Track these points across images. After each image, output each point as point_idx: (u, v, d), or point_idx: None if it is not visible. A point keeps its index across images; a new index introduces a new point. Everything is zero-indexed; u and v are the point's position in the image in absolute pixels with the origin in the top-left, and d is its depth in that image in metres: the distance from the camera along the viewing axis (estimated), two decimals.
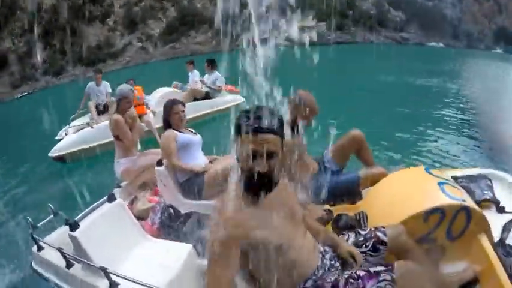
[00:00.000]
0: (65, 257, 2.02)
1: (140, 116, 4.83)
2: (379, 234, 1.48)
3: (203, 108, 7.02)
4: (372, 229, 1.53)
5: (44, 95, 18.57)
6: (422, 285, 1.23)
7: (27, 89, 21.81)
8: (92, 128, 5.98)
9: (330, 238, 1.51)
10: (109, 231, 2.03)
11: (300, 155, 2.25)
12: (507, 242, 1.63)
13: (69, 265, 2.04)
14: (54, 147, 5.76)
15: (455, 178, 2.07)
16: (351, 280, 1.27)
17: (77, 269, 2.01)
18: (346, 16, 28.18)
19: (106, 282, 1.77)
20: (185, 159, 2.69)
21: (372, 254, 1.46)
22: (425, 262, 1.43)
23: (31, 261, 2.40)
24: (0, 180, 5.85)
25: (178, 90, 7.26)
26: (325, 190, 2.28)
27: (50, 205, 2.40)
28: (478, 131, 5.87)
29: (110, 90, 6.64)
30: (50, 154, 5.70)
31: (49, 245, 2.19)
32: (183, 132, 2.78)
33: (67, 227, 1.92)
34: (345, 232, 1.63)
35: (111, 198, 2.16)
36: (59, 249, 2.01)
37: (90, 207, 2.09)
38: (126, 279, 1.67)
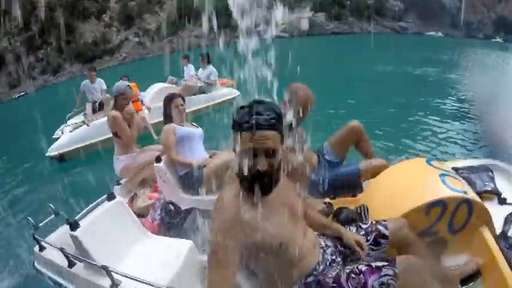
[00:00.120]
0: (66, 257, 2.03)
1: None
2: (381, 227, 1.47)
3: (197, 103, 6.98)
4: (373, 222, 1.52)
5: (41, 94, 18.51)
6: (424, 279, 1.22)
7: (24, 88, 21.67)
8: (87, 126, 5.98)
9: (335, 229, 1.50)
10: (109, 229, 2.03)
11: (301, 147, 2.23)
12: (509, 234, 1.61)
13: (71, 264, 2.04)
14: (51, 146, 5.79)
15: (456, 169, 2.05)
16: (353, 275, 1.27)
17: (79, 268, 2.01)
18: (344, 6, 27.92)
19: (108, 281, 1.77)
20: (184, 152, 2.70)
21: (374, 247, 1.46)
22: (427, 256, 1.43)
23: (34, 261, 2.41)
24: (0, 180, 5.86)
25: (173, 86, 7.22)
26: (326, 183, 2.27)
27: (51, 205, 2.41)
28: (478, 121, 5.85)
29: (104, 87, 6.68)
30: (47, 153, 5.71)
31: (51, 245, 2.20)
32: (183, 126, 2.79)
33: (68, 227, 1.92)
34: (345, 226, 1.62)
35: (111, 197, 2.15)
36: (61, 249, 2.02)
37: (90, 206, 2.09)
38: (127, 277, 1.68)
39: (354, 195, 2.17)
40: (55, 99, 13.38)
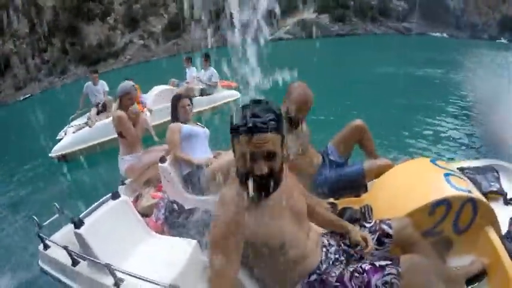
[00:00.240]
0: (70, 255, 2.04)
1: None
2: (384, 226, 1.46)
3: (199, 105, 6.97)
4: (377, 222, 1.51)
5: (47, 96, 18.69)
6: (428, 279, 1.21)
7: (30, 90, 21.87)
8: (90, 127, 6.03)
9: (342, 225, 1.50)
10: (114, 228, 2.04)
11: (304, 147, 2.23)
12: None
13: (75, 263, 2.05)
14: (55, 147, 5.86)
15: (461, 169, 2.04)
16: (356, 274, 1.26)
17: (83, 267, 2.02)
18: (348, 7, 27.85)
19: (111, 279, 1.78)
20: (187, 151, 2.75)
21: (377, 247, 1.44)
22: (431, 255, 1.41)
23: (38, 259, 2.43)
24: (6, 180, 5.93)
25: (175, 88, 7.24)
26: (330, 183, 2.27)
27: (56, 204, 2.43)
28: (482, 122, 5.81)
29: (107, 89, 6.77)
30: (50, 154, 5.78)
31: (55, 243, 2.21)
32: (189, 125, 2.86)
33: (72, 225, 1.93)
34: None
35: (115, 196, 2.16)
36: (65, 247, 2.03)
37: (94, 205, 2.09)
38: (131, 275, 1.68)
39: (358, 196, 2.16)
40: (60, 101, 13.49)
